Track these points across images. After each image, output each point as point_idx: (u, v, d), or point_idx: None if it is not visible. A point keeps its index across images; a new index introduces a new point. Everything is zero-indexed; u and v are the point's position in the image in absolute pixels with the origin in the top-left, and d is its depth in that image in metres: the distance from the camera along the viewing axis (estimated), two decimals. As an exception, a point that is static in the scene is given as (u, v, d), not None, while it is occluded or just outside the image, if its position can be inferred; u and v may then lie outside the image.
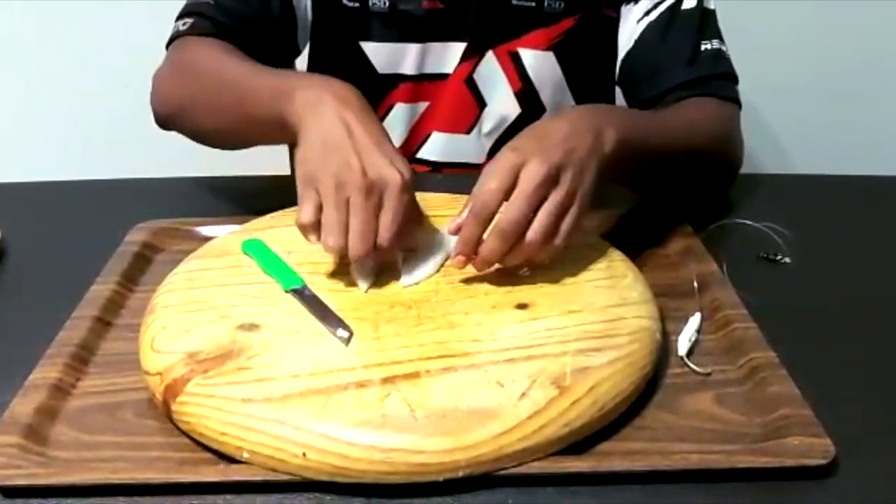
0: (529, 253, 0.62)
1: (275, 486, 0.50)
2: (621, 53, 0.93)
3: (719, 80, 0.88)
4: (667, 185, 0.83)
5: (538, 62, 0.96)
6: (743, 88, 0.88)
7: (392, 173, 0.61)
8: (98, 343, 0.64)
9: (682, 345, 0.62)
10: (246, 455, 0.51)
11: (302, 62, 1.03)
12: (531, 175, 0.61)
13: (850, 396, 0.58)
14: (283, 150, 1.14)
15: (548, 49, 0.96)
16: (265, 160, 1.07)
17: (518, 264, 0.64)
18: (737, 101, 0.89)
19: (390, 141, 0.65)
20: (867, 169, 0.92)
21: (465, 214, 0.62)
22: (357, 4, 0.94)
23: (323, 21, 0.96)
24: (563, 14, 0.94)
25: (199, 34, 0.86)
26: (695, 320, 0.64)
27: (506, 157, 0.62)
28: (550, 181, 0.62)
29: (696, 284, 0.69)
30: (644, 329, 0.60)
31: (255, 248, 0.69)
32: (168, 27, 0.91)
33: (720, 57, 0.90)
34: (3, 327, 0.68)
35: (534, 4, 0.94)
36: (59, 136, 1.52)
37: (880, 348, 0.64)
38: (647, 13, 0.90)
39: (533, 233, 0.61)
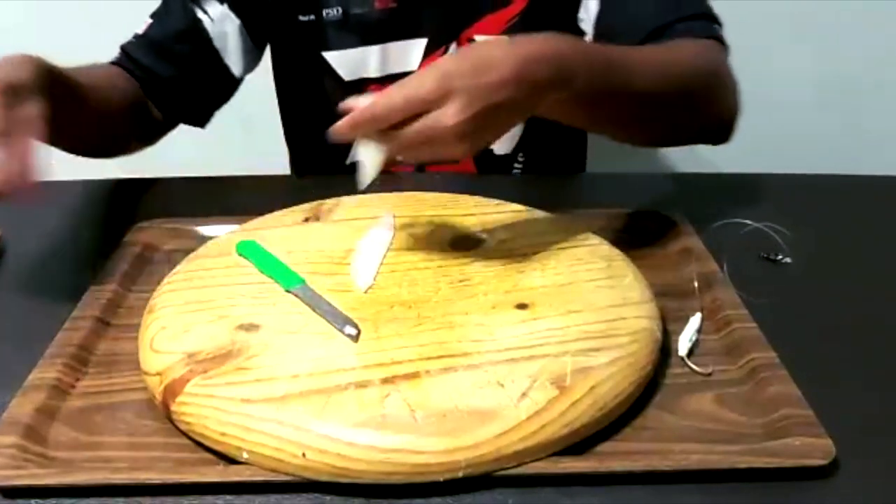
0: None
1: (275, 486, 0.50)
2: (592, 19, 0.89)
3: (695, 20, 0.83)
4: (650, 129, 0.79)
5: None
6: (743, 88, 0.87)
7: None
8: (98, 343, 0.64)
9: (683, 345, 0.62)
10: (246, 455, 0.51)
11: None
12: (441, 121, 0.55)
13: (850, 396, 0.58)
14: (283, 150, 1.14)
15: (503, 33, 0.94)
16: (265, 160, 1.07)
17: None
18: (719, 39, 0.84)
19: None
20: (867, 169, 0.92)
21: (363, 100, 0.57)
22: (312, 17, 0.94)
23: (282, 38, 0.97)
24: None
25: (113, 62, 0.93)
26: (695, 320, 0.64)
27: (432, 79, 0.55)
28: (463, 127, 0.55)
29: (696, 284, 0.69)
30: (644, 329, 0.59)
31: (250, 250, 0.69)
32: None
33: None
34: (3, 327, 0.68)
35: None
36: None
37: (881, 348, 0.64)
38: None
39: (401, 142, 0.57)
